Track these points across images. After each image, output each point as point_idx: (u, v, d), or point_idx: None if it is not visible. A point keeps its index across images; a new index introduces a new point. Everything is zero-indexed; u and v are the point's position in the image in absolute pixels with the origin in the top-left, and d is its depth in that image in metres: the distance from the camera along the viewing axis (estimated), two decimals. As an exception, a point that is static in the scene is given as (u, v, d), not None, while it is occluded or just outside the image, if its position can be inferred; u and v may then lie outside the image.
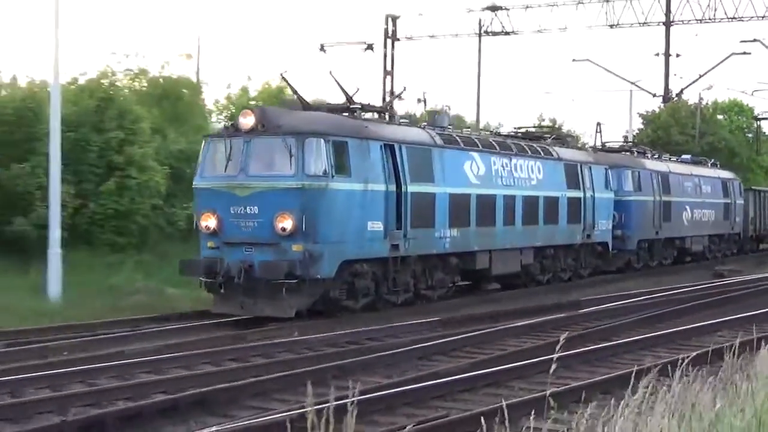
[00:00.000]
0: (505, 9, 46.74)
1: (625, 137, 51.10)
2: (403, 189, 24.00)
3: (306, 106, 25.00)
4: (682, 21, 49.45)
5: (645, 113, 57.88)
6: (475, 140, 28.79)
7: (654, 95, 54.79)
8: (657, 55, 52.44)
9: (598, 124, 40.57)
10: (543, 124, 46.29)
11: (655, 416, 6.52)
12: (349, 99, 25.53)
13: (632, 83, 53.85)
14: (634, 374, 7.36)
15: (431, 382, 15.14)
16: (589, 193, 33.88)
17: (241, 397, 14.90)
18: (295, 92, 25.52)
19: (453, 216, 26.04)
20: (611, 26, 48.34)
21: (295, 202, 21.66)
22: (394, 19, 46.92)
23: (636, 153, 42.14)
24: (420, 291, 25.66)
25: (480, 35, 46.16)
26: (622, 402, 6.70)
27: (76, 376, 16.47)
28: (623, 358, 18.01)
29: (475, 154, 27.76)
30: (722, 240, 47.62)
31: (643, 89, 54.16)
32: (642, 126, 57.11)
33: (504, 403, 7.80)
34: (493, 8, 45.93)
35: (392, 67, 46.27)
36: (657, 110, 56.22)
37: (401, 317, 24.39)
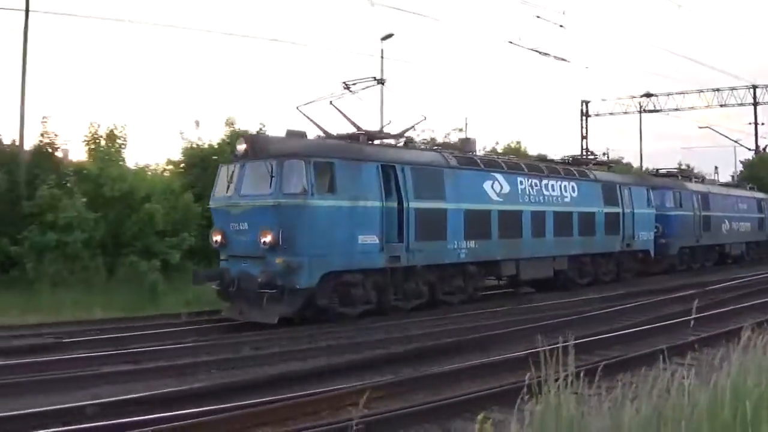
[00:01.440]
0: (655, 95, 46.26)
1: (732, 176, 49.76)
2: (404, 205, 20.04)
3: (328, 135, 21.10)
4: (765, 102, 48.09)
5: (744, 161, 56.81)
6: (501, 162, 24.96)
7: (749, 149, 54.03)
8: (750, 123, 51.90)
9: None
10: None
11: (759, 351, 6.50)
12: (357, 127, 21.53)
13: (735, 141, 55.07)
14: (743, 328, 7.30)
15: (613, 334, 15.73)
16: (628, 209, 29.85)
17: (497, 341, 15.59)
18: (313, 122, 21.06)
19: (469, 229, 22.00)
20: (721, 105, 48.56)
21: (274, 219, 18.01)
22: (587, 103, 46.69)
23: (681, 177, 39.37)
24: (437, 297, 21.75)
25: (641, 113, 45.78)
26: (737, 346, 6.69)
27: (397, 327, 18.22)
28: (734, 319, 17.77)
29: (498, 175, 23.55)
30: (759, 245, 45.13)
31: (742, 146, 55.16)
32: (743, 169, 55.29)
33: (664, 347, 7.55)
34: (648, 95, 45.11)
35: (587, 133, 46.81)
36: (751, 158, 54.31)
37: (592, 293, 24.91)
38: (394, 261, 19.84)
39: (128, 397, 10.77)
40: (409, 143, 22.70)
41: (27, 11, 27.22)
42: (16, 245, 24.06)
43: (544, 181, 25.45)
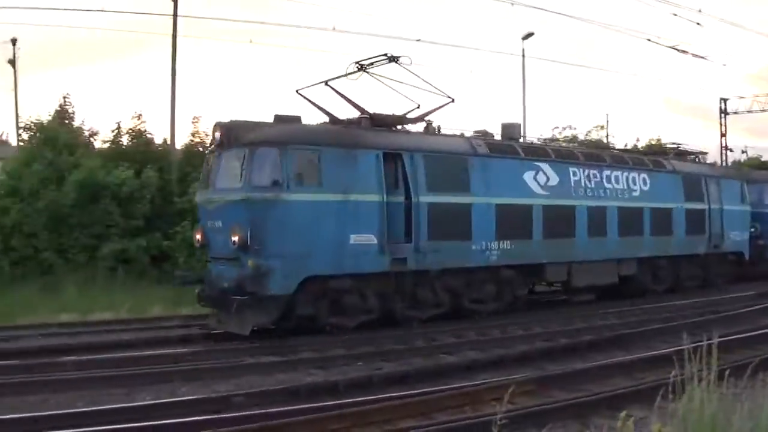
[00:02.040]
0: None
1: None
2: (413, 200, 17.45)
3: (333, 120, 18.31)
4: None
5: None
6: (548, 150, 21.60)
7: None
8: None
9: None
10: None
11: None
12: (361, 110, 18.38)
13: None
14: None
15: (750, 334, 15.00)
16: (715, 205, 25.67)
17: (635, 339, 15.43)
18: (315, 105, 18.24)
19: (503, 228, 19.00)
20: None
21: (243, 215, 15.93)
22: (725, 100, 45.53)
23: None
24: (464, 305, 18.87)
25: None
26: None
27: (537, 323, 18.40)
28: None
29: (544, 164, 20.24)
30: None
31: None
32: None
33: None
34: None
35: (725, 130, 45.62)
36: None
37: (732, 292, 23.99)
38: (398, 264, 17.26)
39: (273, 387, 11.10)
40: (430, 128, 19.38)
41: (175, 16, 28.39)
42: (168, 240, 25.11)
43: (606, 172, 22.07)
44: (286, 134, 16.62)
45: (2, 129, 74.81)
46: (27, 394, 11.08)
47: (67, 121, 28.75)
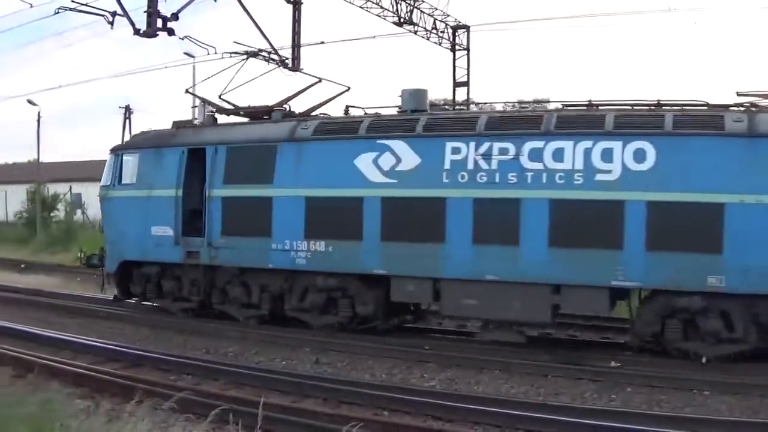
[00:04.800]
0: None
1: None
2: (206, 194, 17.74)
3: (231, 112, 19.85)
4: None
5: None
6: (413, 122, 15.83)
7: None
8: None
9: None
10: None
11: None
12: (213, 105, 19.64)
13: None
14: None
15: None
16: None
17: None
18: (209, 103, 19.88)
19: (314, 225, 16.31)
20: None
21: None
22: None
23: None
24: (285, 312, 17.46)
25: None
26: None
27: None
28: None
29: (396, 142, 15.52)
30: None
31: None
32: None
33: None
34: None
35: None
36: None
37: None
38: (192, 257, 18.22)
39: None
40: (289, 114, 18.16)
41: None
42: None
43: (536, 144, 14.35)
44: (125, 142, 20.98)
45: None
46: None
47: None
